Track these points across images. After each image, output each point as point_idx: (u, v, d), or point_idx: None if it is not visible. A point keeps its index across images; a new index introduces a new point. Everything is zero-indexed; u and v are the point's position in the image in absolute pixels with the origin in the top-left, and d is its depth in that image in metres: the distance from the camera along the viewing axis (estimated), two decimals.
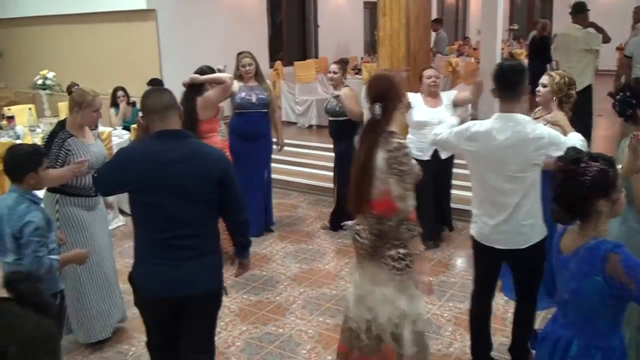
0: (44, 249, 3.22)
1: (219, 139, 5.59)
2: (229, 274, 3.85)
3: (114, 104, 8.23)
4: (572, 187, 2.40)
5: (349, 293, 3.55)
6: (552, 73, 4.34)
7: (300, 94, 11.08)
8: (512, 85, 3.34)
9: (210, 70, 5.54)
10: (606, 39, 8.02)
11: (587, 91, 7.57)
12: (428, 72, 5.81)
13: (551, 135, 3.32)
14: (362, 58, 13.41)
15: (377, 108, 3.20)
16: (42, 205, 3.48)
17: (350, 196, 3.37)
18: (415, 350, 3.36)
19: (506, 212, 3.38)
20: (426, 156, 5.60)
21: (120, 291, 4.56)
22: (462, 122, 3.86)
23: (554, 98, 4.17)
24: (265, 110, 6.19)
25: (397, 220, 3.20)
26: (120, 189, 3.26)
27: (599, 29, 7.94)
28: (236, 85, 6.06)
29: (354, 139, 6.36)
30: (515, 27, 18.06)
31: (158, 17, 9.82)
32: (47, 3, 10.80)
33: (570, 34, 7.87)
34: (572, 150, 2.51)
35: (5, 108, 8.49)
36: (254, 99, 6.10)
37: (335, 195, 6.55)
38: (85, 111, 4.06)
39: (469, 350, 4.00)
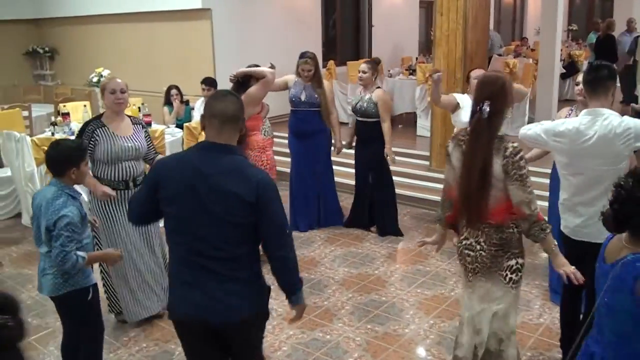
0: (72, 245, 3.22)
1: (260, 137, 5.65)
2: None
3: (168, 102, 8.27)
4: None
5: (462, 316, 3.43)
6: None
7: (352, 93, 10.92)
8: (602, 82, 3.40)
9: (256, 67, 5.46)
10: None
11: None
12: (475, 73, 5.68)
13: (637, 126, 3.29)
14: (416, 58, 13.20)
15: (486, 106, 3.04)
16: (81, 200, 3.49)
17: (463, 207, 3.20)
18: None
19: (594, 207, 3.32)
20: None
21: (162, 286, 4.61)
22: None
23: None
24: (314, 109, 6.27)
25: (528, 224, 3.07)
26: (152, 203, 2.74)
27: None
28: (292, 78, 6.28)
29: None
30: (574, 27, 17.56)
31: (213, 17, 9.84)
32: (103, 2, 10.98)
33: None
34: None
35: (61, 105, 8.64)
36: (303, 97, 6.23)
37: (356, 195, 6.74)
38: (106, 95, 4.33)
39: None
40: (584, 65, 13.34)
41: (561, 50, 10.89)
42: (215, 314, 2.66)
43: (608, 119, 3.31)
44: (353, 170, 6.78)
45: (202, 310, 2.66)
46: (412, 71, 11.09)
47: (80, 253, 3.27)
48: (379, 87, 6.35)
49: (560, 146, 3.45)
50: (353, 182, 6.82)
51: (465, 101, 5.62)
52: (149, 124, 7.12)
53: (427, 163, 8.04)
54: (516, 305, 3.30)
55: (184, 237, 2.66)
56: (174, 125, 8.04)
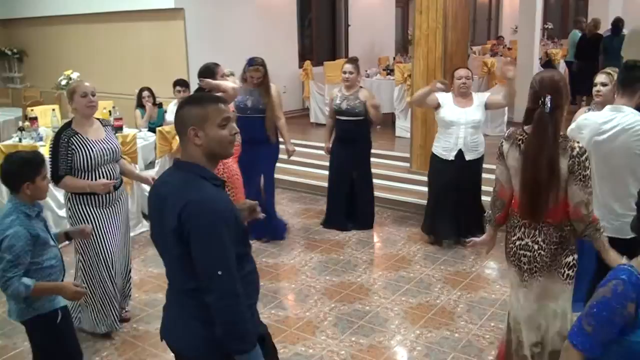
0: (15, 270, 2.94)
1: None
2: None
3: (140, 105, 8.01)
4: None
5: (517, 316, 3.38)
6: (609, 70, 4.13)
7: (329, 94, 10.76)
8: (632, 82, 3.53)
9: (215, 66, 5.34)
10: None
11: None
12: (459, 72, 5.72)
13: None
14: (394, 58, 13.07)
15: (548, 100, 2.99)
16: (43, 217, 3.23)
17: (527, 203, 3.13)
18: None
19: (614, 201, 3.56)
20: (451, 156, 5.69)
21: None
22: None
23: (615, 96, 3.95)
24: (261, 115, 5.93)
25: (584, 225, 3.09)
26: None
27: None
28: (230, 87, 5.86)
29: (370, 137, 6.45)
30: (550, 26, 17.56)
31: (186, 17, 9.60)
32: (73, 2, 10.64)
33: None
34: None
35: (29, 109, 8.34)
36: (249, 103, 5.93)
37: (333, 194, 6.62)
38: (75, 99, 4.16)
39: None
40: (561, 64, 13.32)
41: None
42: (175, 340, 2.42)
43: (628, 116, 3.46)
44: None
45: (167, 334, 2.46)
46: (389, 71, 10.96)
47: (25, 280, 2.98)
48: (362, 87, 6.37)
49: (581, 136, 3.55)
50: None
51: (446, 100, 5.68)
52: (120, 128, 6.88)
53: (407, 165, 7.88)
54: (571, 298, 3.29)
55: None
56: (147, 129, 7.80)
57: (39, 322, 3.14)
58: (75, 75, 7.81)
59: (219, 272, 2.15)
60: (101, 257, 4.25)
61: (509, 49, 15.27)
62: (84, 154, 4.10)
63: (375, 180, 6.68)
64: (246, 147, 5.76)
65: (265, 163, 6.19)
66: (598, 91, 4.10)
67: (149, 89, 8.04)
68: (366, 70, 11.58)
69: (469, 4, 7.72)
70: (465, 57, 7.81)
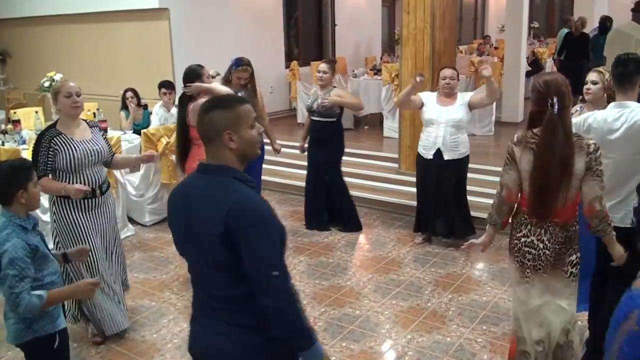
0: (23, 284, 2.75)
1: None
2: None
3: (125, 106, 7.89)
4: None
5: (516, 312, 3.43)
6: (601, 69, 4.09)
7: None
8: (629, 76, 3.52)
9: (200, 68, 5.15)
10: None
11: None
12: (444, 73, 5.68)
13: None
14: (381, 58, 13.02)
15: (556, 102, 3.04)
16: (39, 231, 3.06)
17: (536, 202, 3.17)
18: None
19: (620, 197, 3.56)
20: (429, 155, 5.69)
21: (123, 302, 4.48)
22: None
23: (604, 95, 3.98)
24: None
25: (598, 220, 3.11)
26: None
27: None
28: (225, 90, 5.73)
29: (343, 140, 6.37)
30: (536, 25, 17.60)
31: (171, 17, 9.47)
32: (56, 2, 10.50)
33: (630, 33, 7.34)
34: None
35: (12, 111, 8.20)
36: None
37: (311, 196, 6.59)
38: (60, 99, 4.06)
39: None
40: (548, 63, 13.33)
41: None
42: (212, 353, 2.30)
43: (634, 111, 3.45)
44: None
45: (201, 346, 2.34)
46: (377, 71, 10.90)
47: (37, 292, 2.80)
48: (335, 87, 6.29)
49: (591, 136, 3.48)
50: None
51: (429, 99, 5.69)
52: (104, 130, 6.76)
53: (395, 165, 7.81)
54: (575, 296, 3.32)
55: (191, 269, 2.34)
56: (131, 131, 7.68)
57: (35, 345, 2.98)
58: (58, 76, 7.67)
59: (275, 273, 2.11)
60: (86, 263, 4.13)
61: (496, 48, 15.26)
62: (67, 153, 4.00)
63: (363, 182, 6.61)
64: None
65: (255, 168, 6.02)
66: (588, 89, 4.06)
67: (132, 90, 7.91)
68: (353, 70, 11.53)
69: (456, 3, 7.67)
70: (454, 56, 7.76)
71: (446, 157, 5.62)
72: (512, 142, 3.24)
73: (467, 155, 5.74)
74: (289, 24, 12.59)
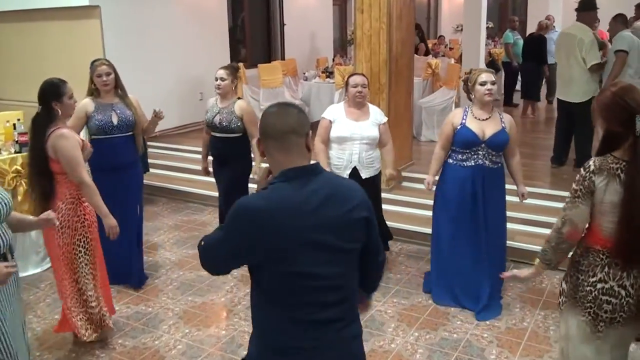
0: None
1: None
2: None
3: None
4: None
5: None
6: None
7: (265, 99, 10.01)
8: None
9: (63, 83, 4.15)
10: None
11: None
12: (355, 80, 4.86)
13: None
14: (333, 59, 12.42)
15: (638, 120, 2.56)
16: None
17: (624, 244, 2.60)
18: None
19: None
20: (344, 174, 4.79)
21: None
22: None
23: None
24: (130, 133, 4.94)
25: None
26: (242, 263, 2.23)
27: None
28: (90, 105, 4.89)
29: (251, 158, 5.47)
30: (490, 25, 17.28)
31: (102, 15, 8.69)
32: None
33: (573, 34, 6.92)
34: None
35: None
36: (115, 120, 4.87)
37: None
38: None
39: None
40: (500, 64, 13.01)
41: None
42: None
43: None
44: None
45: None
46: (329, 74, 10.30)
47: None
48: (240, 98, 5.46)
49: None
50: None
51: (336, 114, 4.89)
52: (25, 144, 5.91)
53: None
54: None
55: (294, 293, 2.11)
56: None
57: None
58: None
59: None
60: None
61: (451, 48, 14.88)
62: None
63: None
64: (114, 175, 4.82)
65: (137, 191, 5.21)
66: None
67: None
68: (304, 73, 10.98)
69: (414, 2, 7.08)
70: (412, 58, 7.17)
71: (364, 175, 4.86)
72: (589, 170, 2.65)
73: (380, 170, 5.07)
74: (235, 24, 11.88)
